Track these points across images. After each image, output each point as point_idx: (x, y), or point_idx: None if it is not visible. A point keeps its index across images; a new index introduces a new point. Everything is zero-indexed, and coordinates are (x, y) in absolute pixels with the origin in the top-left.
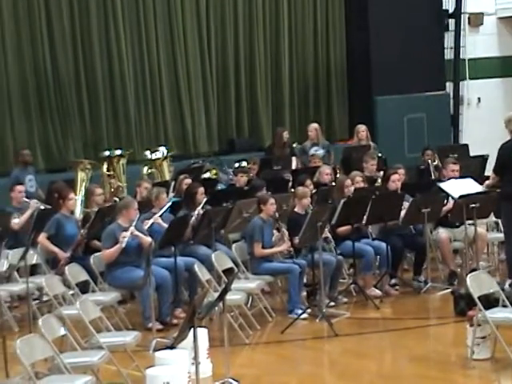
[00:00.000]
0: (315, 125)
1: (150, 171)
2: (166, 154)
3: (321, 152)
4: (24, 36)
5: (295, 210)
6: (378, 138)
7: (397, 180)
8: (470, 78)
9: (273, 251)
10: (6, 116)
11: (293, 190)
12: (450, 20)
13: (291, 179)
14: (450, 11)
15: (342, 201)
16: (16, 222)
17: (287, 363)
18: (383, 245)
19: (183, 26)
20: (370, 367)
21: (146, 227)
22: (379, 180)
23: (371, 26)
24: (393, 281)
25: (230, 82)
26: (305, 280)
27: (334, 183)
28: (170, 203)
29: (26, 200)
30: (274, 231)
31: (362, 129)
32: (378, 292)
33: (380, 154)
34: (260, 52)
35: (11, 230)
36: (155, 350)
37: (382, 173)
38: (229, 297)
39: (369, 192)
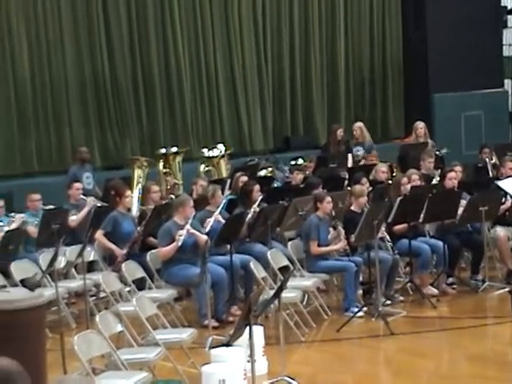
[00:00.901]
0: (360, 124)
1: (207, 169)
2: (223, 151)
3: (361, 153)
4: (83, 39)
5: (351, 208)
6: (435, 136)
7: (454, 178)
8: None
9: (329, 249)
10: (65, 114)
11: (349, 187)
12: (509, 16)
13: (347, 177)
14: (509, 7)
15: (399, 199)
16: (73, 219)
17: (343, 361)
18: (440, 243)
19: (239, 24)
20: (426, 366)
21: (209, 226)
22: (437, 178)
23: (428, 23)
24: (450, 279)
25: (285, 80)
26: (361, 278)
27: (390, 181)
28: (225, 201)
29: (84, 197)
30: (330, 229)
31: (420, 126)
32: (434, 291)
33: (438, 152)
34: (315, 49)
35: (69, 228)
36: (211, 347)
37: (439, 171)
38: (284, 294)
39: (425, 190)
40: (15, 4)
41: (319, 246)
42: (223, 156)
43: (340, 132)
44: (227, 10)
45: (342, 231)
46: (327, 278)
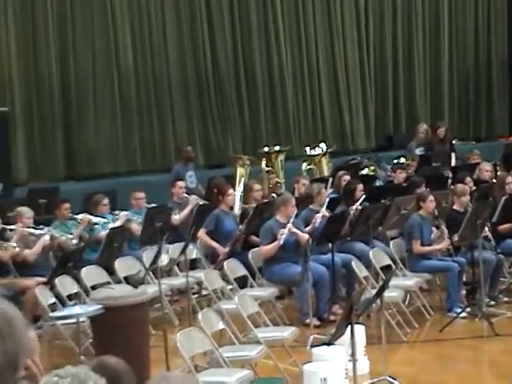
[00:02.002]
0: (426, 125)
1: (308, 167)
2: (325, 150)
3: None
4: (185, 37)
5: (454, 207)
6: None
7: None
8: None
9: (432, 249)
10: (168, 113)
11: (452, 186)
12: None
13: (451, 176)
14: None
15: (504, 198)
16: (176, 218)
17: (445, 362)
18: None
19: (342, 22)
20: None
21: (317, 222)
22: None
23: None
24: None
25: (387, 78)
26: (464, 278)
27: (494, 180)
28: (327, 199)
29: (187, 196)
30: (433, 228)
31: None
32: None
33: None
34: (419, 46)
35: (172, 225)
36: (312, 345)
37: None
38: (386, 294)
39: None
40: (119, 3)
41: (422, 245)
42: (325, 154)
43: (441, 131)
44: (330, 8)
45: (445, 231)
46: (430, 277)
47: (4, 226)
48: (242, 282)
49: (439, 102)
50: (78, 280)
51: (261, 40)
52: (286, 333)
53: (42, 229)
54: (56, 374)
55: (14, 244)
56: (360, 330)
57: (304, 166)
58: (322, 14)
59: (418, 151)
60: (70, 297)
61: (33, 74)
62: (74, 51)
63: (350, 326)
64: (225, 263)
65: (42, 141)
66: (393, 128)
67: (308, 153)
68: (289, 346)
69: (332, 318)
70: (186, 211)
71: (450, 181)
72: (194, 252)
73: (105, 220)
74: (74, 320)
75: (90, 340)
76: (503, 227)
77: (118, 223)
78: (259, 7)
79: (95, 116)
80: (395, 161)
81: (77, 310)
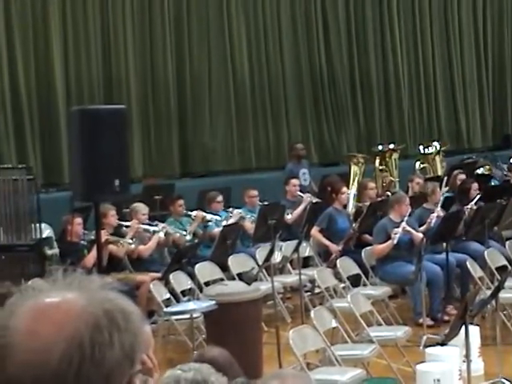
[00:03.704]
0: None
1: (422, 166)
2: (438, 148)
3: None
4: (300, 39)
5: None
6: None
7: None
8: None
9: None
10: (282, 112)
11: None
12: None
13: None
14: None
15: None
16: (289, 218)
17: None
18: None
19: (459, 21)
20: None
21: (432, 224)
22: None
23: None
24: None
25: (505, 76)
26: None
27: None
28: (441, 198)
29: (300, 194)
30: None
31: None
32: None
33: None
34: None
35: (285, 223)
36: (426, 345)
37: None
38: (502, 295)
39: None
40: (235, 5)
41: None
42: (438, 153)
43: None
44: (446, 7)
45: None
46: None
47: (120, 222)
48: (354, 281)
49: None
50: (192, 276)
51: (376, 39)
52: (399, 332)
53: (156, 225)
54: (179, 368)
55: (130, 240)
56: (474, 331)
57: (418, 164)
58: (438, 13)
59: None
60: (183, 292)
61: (149, 73)
62: (190, 53)
63: (464, 327)
64: (338, 261)
65: (158, 138)
66: (510, 127)
67: (422, 151)
68: (402, 345)
69: (446, 318)
70: (299, 210)
71: None
72: (306, 250)
73: (218, 217)
74: (187, 315)
75: (204, 335)
76: None
77: (231, 220)
78: (375, 7)
79: (210, 115)
80: None
81: (191, 305)
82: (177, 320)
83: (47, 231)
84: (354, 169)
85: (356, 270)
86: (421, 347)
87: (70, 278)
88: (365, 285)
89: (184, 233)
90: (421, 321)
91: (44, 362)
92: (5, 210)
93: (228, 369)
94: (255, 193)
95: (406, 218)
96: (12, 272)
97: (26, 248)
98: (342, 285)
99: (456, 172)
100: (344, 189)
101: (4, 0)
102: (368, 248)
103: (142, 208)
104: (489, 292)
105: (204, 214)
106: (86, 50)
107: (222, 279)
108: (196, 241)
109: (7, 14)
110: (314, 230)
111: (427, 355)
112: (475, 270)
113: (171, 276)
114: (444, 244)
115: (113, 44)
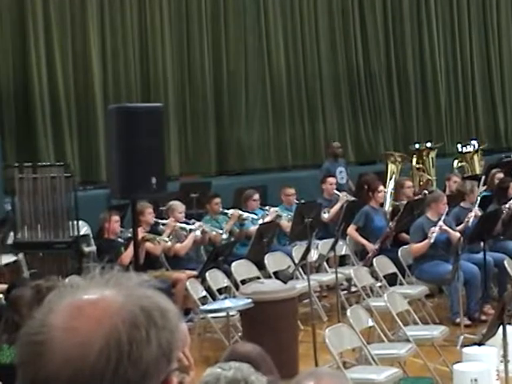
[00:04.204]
0: None
1: (460, 165)
2: (477, 147)
3: None
4: (337, 35)
5: None
6: None
7: None
8: None
9: None
10: (319, 109)
11: None
12: None
13: None
14: None
15: None
16: (325, 217)
17: None
18: None
19: (497, 15)
20: None
21: (471, 220)
22: None
23: None
24: None
25: None
26: None
27: None
28: (479, 197)
29: (337, 193)
30: None
31: None
32: None
33: None
34: None
35: (321, 221)
36: (463, 345)
37: None
38: None
39: None
40: (272, 1)
41: None
42: (477, 152)
43: None
44: (485, 2)
45: None
46: None
47: (157, 220)
48: (391, 280)
49: None
50: (228, 274)
51: (413, 36)
52: (436, 332)
53: (193, 223)
54: (219, 366)
55: (166, 238)
56: None
57: (455, 163)
58: (476, 8)
59: None
60: (220, 290)
61: (186, 71)
62: (227, 50)
63: (501, 327)
64: (374, 260)
65: (195, 136)
66: None
67: (460, 150)
68: (438, 345)
69: (483, 317)
70: (336, 208)
71: None
72: (343, 248)
73: (254, 216)
74: (224, 313)
75: (240, 334)
76: None
77: (267, 219)
78: (412, 4)
79: (247, 113)
80: None
81: (227, 303)
82: (213, 318)
83: (84, 229)
84: (390, 167)
85: (393, 268)
86: (458, 347)
87: (107, 276)
88: (401, 284)
89: (220, 231)
90: (458, 320)
91: (82, 359)
92: (43, 208)
93: (261, 364)
94: (292, 191)
95: (443, 217)
96: (50, 269)
97: (63, 245)
98: (379, 284)
99: (494, 171)
100: (381, 187)
101: (43, 1)
102: (405, 247)
103: (178, 206)
104: None
105: (240, 212)
106: (124, 48)
107: (258, 277)
108: (232, 239)
109: (46, 14)
110: (351, 229)
111: (464, 355)
112: None
113: (207, 274)
114: (481, 243)
115: (150, 42)
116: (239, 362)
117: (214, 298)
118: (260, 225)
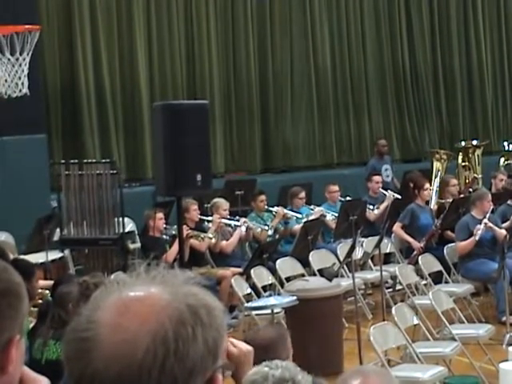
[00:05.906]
0: None
1: (506, 163)
2: None
3: None
4: (383, 34)
5: None
6: None
7: None
8: None
9: None
10: (364, 107)
11: None
12: None
13: None
14: None
15: None
16: (375, 213)
17: None
18: None
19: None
20: None
21: None
22: None
23: None
24: None
25: None
26: None
27: None
28: None
29: (383, 191)
30: None
31: None
32: None
33: None
34: None
35: (366, 219)
36: (509, 344)
37: None
38: None
39: None
40: (318, 0)
41: None
42: None
43: None
44: (499, 6)
45: None
46: None
47: (202, 217)
48: (436, 278)
49: None
50: (273, 271)
51: (459, 35)
52: (482, 330)
53: (238, 220)
54: (266, 365)
55: (211, 235)
56: None
57: (502, 161)
58: None
59: None
60: (264, 288)
61: (232, 69)
62: (273, 49)
63: None
64: (419, 258)
65: (240, 134)
66: None
67: (506, 148)
68: (484, 343)
69: None
70: (382, 207)
71: None
72: (388, 246)
73: (299, 215)
74: (268, 311)
75: None
76: None
77: (312, 217)
78: (459, 4)
79: (292, 111)
80: None
81: (272, 301)
82: (258, 315)
83: (130, 225)
84: (436, 165)
85: (438, 266)
86: (504, 345)
87: (153, 273)
88: (447, 282)
89: (265, 228)
90: (504, 319)
91: (129, 356)
92: (89, 204)
93: (277, 344)
94: (336, 188)
95: (488, 215)
96: (95, 265)
97: (109, 242)
98: (424, 282)
99: None
100: (426, 185)
101: (89, 0)
102: (450, 245)
103: (222, 203)
104: None
105: (285, 211)
106: (170, 47)
107: (303, 275)
108: (277, 236)
109: (92, 14)
110: (396, 227)
111: (510, 354)
112: None
113: (252, 271)
114: None
115: (196, 40)
116: (260, 350)
117: (259, 296)
118: (305, 222)
